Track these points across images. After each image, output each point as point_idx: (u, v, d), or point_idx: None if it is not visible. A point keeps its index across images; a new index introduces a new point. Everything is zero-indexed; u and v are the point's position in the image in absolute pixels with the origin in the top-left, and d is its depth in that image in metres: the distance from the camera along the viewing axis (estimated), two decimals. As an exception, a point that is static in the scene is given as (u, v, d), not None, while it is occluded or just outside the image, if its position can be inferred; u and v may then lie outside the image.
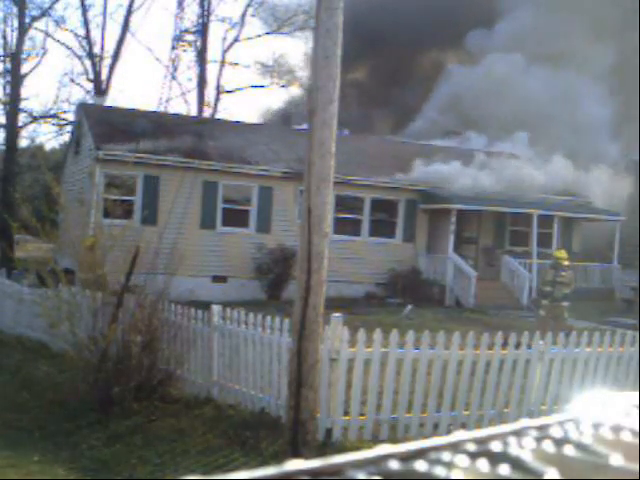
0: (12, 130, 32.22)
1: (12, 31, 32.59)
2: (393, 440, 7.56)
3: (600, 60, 31.18)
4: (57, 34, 59.99)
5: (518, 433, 0.81)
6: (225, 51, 38.67)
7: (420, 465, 0.69)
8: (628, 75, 29.27)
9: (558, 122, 29.11)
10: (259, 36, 40.45)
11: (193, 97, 37.05)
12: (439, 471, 0.68)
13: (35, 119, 34.88)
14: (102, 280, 9.89)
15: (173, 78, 35.12)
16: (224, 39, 39.01)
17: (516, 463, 0.72)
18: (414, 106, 34.14)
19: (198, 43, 36.62)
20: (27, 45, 33.48)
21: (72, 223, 12.41)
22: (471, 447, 0.76)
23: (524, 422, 0.85)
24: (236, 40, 38.93)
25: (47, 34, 35.19)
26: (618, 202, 24.51)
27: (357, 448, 5.22)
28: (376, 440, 7.63)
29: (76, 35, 35.77)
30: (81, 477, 7.21)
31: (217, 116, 35.81)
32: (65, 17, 59.57)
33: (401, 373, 8.00)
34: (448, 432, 7.10)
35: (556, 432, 0.82)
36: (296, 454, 6.77)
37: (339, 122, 7.36)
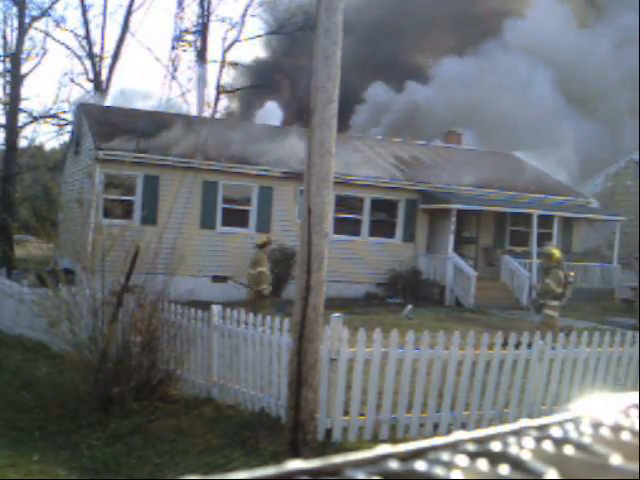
0: (12, 130, 32.22)
1: (12, 31, 32.67)
2: (393, 440, 7.56)
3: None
4: (57, 34, 60.23)
5: (518, 433, 0.81)
6: (225, 51, 38.74)
7: (420, 465, 0.69)
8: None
9: None
10: (259, 36, 40.53)
11: (193, 97, 37.13)
12: (439, 471, 0.68)
13: (35, 119, 34.90)
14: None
15: (173, 78, 35.13)
16: (224, 39, 39.10)
17: (516, 463, 0.71)
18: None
19: (198, 43, 36.66)
20: (27, 45, 33.56)
21: (72, 223, 12.42)
22: (471, 447, 0.76)
23: (524, 422, 0.85)
24: (236, 40, 39.00)
25: (47, 34, 35.30)
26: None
27: (357, 448, 5.22)
28: (376, 440, 7.62)
29: (76, 35, 35.87)
30: (81, 477, 7.21)
31: (217, 116, 35.84)
32: (65, 17, 59.84)
33: (401, 373, 7.99)
34: (448, 432, 7.10)
35: (556, 432, 0.82)
36: (296, 454, 6.77)
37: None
